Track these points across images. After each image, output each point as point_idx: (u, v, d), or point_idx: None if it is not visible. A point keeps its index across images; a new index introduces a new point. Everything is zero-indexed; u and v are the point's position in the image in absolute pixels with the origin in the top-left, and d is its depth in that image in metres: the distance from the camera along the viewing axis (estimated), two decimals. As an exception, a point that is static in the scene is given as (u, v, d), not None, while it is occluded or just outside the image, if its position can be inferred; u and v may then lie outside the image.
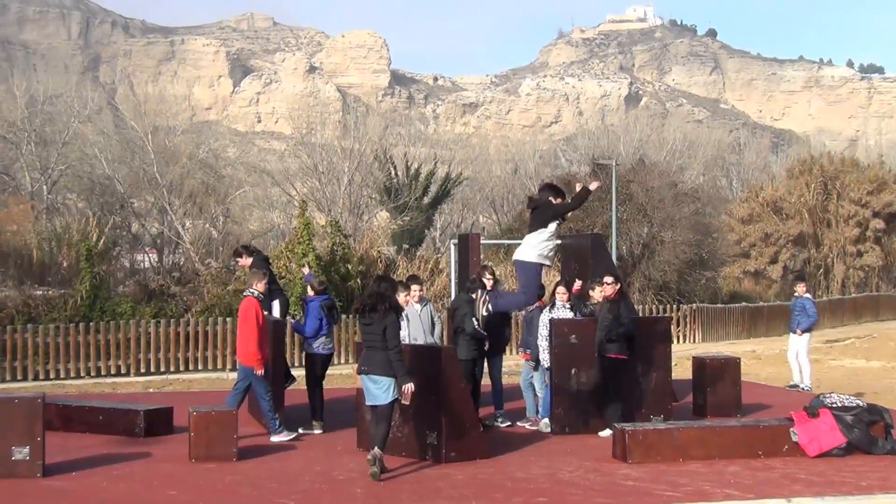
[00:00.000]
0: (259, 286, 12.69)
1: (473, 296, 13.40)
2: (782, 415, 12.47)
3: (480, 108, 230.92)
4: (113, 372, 22.00)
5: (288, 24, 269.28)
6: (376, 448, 10.19)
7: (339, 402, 15.26)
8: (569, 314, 13.39)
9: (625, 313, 12.83)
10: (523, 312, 14.29)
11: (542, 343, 13.43)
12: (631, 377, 13.22)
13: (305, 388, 13.76)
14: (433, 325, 12.90)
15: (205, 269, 30.59)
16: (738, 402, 14.72)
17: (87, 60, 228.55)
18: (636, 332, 13.06)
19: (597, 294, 13.17)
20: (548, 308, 13.62)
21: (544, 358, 13.42)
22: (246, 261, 14.52)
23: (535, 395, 13.96)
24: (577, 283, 13.55)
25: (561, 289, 13.76)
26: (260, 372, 12.23)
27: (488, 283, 14.02)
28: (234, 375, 15.84)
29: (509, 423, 13.74)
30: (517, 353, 19.50)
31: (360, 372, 10.50)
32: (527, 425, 13.76)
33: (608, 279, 13.12)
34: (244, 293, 12.80)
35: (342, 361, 24.04)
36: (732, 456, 11.31)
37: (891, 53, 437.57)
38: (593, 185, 12.08)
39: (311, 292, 13.74)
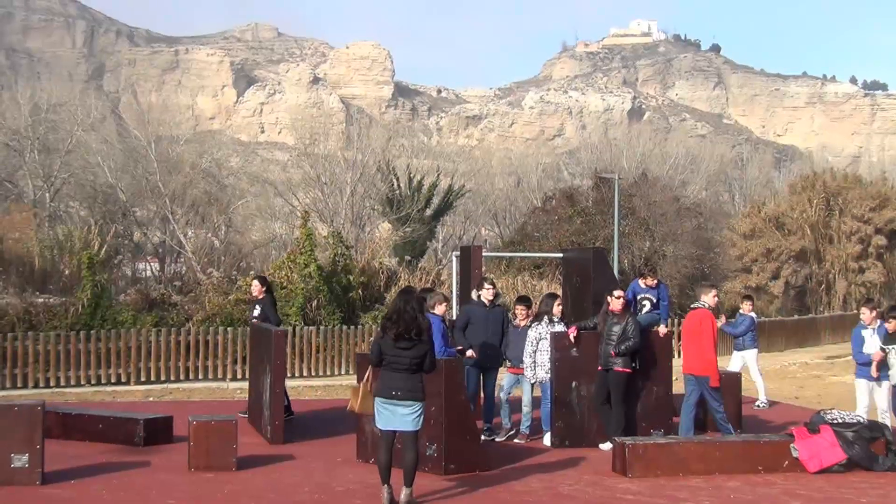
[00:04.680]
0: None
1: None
2: (783, 430, 12.45)
3: (483, 120, 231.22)
4: (113, 380, 21.96)
5: (292, 34, 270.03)
6: (408, 490, 9.53)
7: (339, 413, 15.23)
8: (562, 328, 13.38)
9: (633, 328, 12.81)
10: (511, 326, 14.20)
11: (527, 360, 13.41)
12: (632, 391, 13.20)
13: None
14: None
15: (206, 278, 30.58)
16: (738, 417, 14.67)
17: (91, 69, 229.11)
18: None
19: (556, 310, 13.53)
20: (544, 322, 13.53)
21: (530, 375, 13.41)
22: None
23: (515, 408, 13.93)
24: (558, 305, 13.54)
25: (557, 301, 13.81)
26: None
27: (488, 294, 13.94)
28: (234, 385, 15.83)
29: (491, 438, 13.63)
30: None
31: (389, 396, 9.58)
32: (498, 438, 13.68)
33: (617, 292, 13.13)
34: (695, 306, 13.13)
35: (342, 372, 23.99)
36: (733, 471, 11.28)
37: (895, 70, 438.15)
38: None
39: None
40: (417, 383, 9.61)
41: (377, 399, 9.68)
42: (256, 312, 15.32)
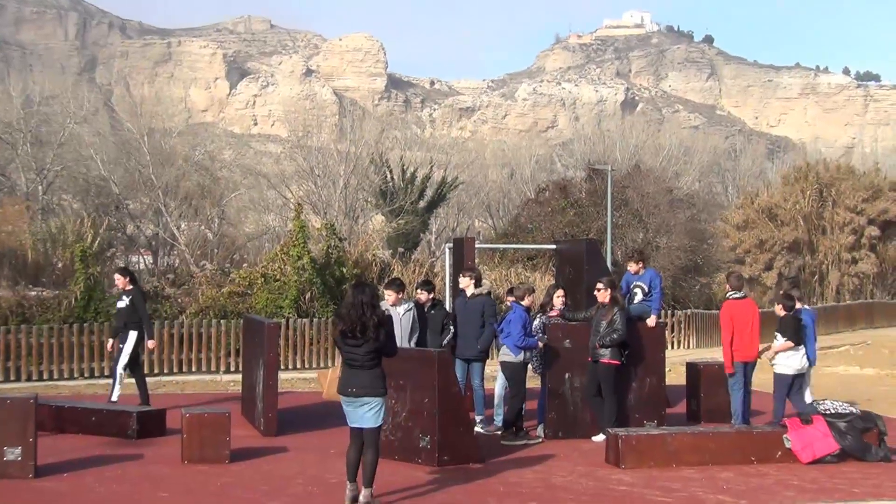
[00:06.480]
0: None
1: (419, 295, 13.49)
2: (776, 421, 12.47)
3: (477, 112, 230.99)
4: (106, 373, 21.87)
5: (285, 26, 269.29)
6: (368, 490, 9.12)
7: (333, 406, 15.19)
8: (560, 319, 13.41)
9: (619, 319, 12.79)
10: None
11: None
12: (624, 382, 13.22)
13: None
14: (412, 330, 12.82)
15: (199, 270, 30.54)
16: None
17: (83, 61, 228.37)
18: (630, 337, 13.01)
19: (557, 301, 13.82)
20: (542, 313, 13.59)
21: (535, 365, 13.39)
22: None
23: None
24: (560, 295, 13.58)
25: (560, 292, 13.81)
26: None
27: (467, 284, 13.76)
28: (227, 377, 15.80)
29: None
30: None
31: (346, 393, 9.26)
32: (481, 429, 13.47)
33: (599, 284, 13.10)
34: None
35: (336, 364, 23.95)
36: (725, 462, 11.31)
37: (887, 61, 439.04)
38: None
39: None
40: (375, 379, 9.21)
41: (340, 396, 9.42)
42: (121, 304, 15.03)
